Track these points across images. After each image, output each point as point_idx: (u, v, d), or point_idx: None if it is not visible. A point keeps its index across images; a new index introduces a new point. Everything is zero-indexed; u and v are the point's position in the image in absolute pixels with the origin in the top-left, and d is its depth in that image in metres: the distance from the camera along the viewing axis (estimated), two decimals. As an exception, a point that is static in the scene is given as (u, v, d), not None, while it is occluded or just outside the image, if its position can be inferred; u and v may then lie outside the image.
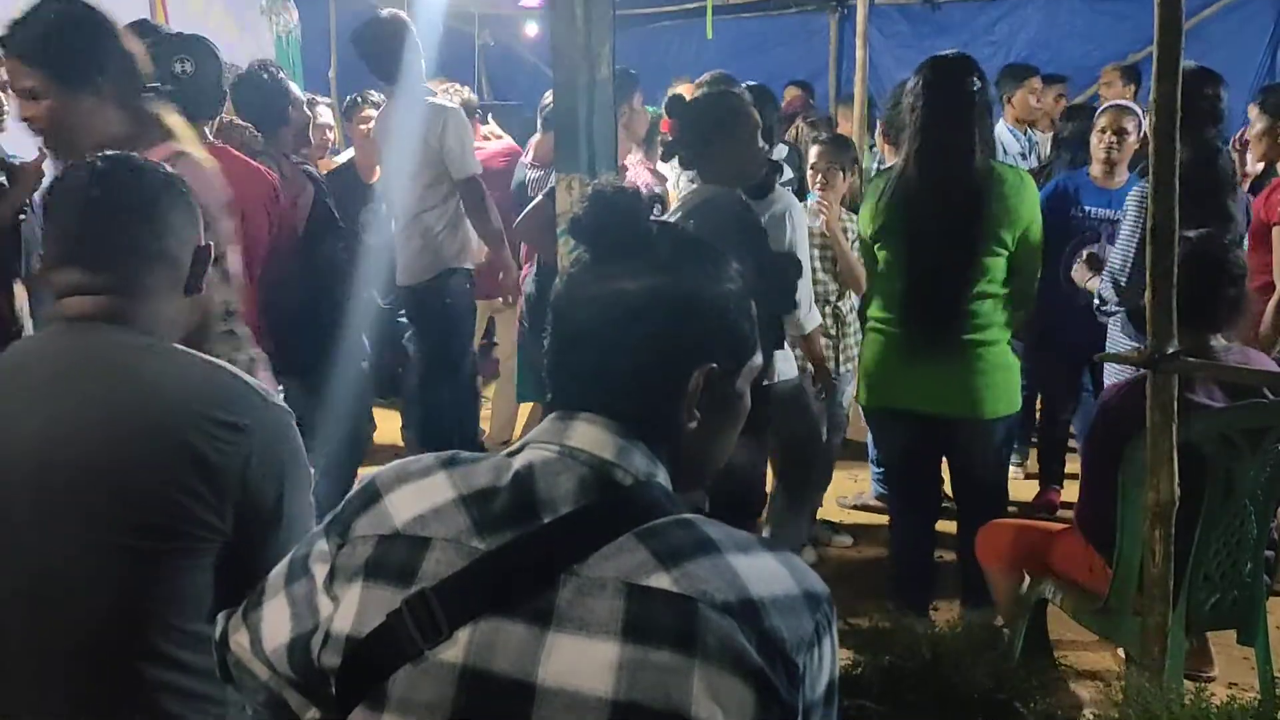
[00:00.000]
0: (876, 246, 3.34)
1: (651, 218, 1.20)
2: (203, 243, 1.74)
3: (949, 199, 3.14)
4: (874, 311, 3.39)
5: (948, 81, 3.19)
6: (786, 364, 3.67)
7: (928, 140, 3.17)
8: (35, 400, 1.55)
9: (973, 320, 3.19)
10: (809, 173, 4.41)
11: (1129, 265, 3.62)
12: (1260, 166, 4.58)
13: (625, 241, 1.17)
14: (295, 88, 4.12)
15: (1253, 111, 4.27)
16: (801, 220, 3.64)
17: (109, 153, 1.72)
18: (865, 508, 4.80)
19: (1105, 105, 4.70)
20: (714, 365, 1.15)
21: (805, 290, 3.60)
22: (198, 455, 1.52)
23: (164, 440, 1.52)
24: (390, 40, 4.29)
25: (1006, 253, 3.18)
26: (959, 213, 3.13)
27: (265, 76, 3.88)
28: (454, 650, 1.05)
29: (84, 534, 1.50)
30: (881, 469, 4.72)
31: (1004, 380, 3.28)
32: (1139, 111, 4.70)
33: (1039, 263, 3.29)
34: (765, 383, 3.42)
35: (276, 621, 1.18)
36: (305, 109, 4.17)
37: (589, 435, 1.13)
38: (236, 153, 3.26)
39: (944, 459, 3.46)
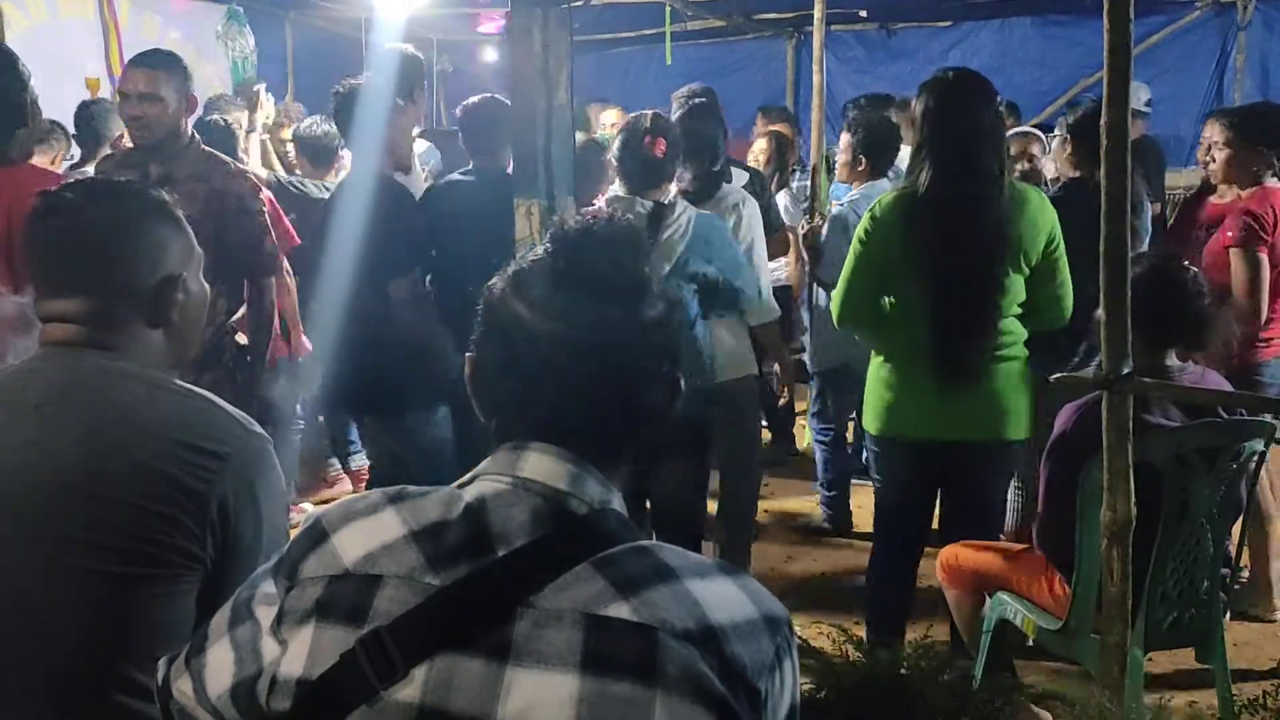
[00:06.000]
0: (891, 269, 3.12)
1: (646, 259, 1.18)
2: (175, 273, 1.67)
3: (983, 219, 3.02)
4: (891, 335, 3.22)
5: (976, 100, 3.07)
6: (744, 360, 3.78)
7: (961, 160, 3.01)
8: (16, 426, 1.53)
9: (999, 340, 3.11)
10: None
11: None
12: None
13: (612, 284, 1.13)
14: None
15: (1220, 134, 3.91)
16: (754, 211, 3.81)
17: (85, 178, 1.70)
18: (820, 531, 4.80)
19: (1011, 132, 4.53)
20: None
21: (765, 280, 3.75)
22: (177, 483, 1.51)
23: (143, 467, 1.50)
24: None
25: (1027, 271, 3.11)
26: (992, 233, 3.02)
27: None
28: (410, 689, 1.02)
29: (61, 559, 1.48)
30: (832, 492, 4.77)
31: (1028, 401, 3.21)
32: (1042, 137, 4.75)
33: (1063, 278, 3.15)
34: (718, 381, 3.51)
35: (220, 667, 1.15)
36: None
37: (542, 465, 1.11)
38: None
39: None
